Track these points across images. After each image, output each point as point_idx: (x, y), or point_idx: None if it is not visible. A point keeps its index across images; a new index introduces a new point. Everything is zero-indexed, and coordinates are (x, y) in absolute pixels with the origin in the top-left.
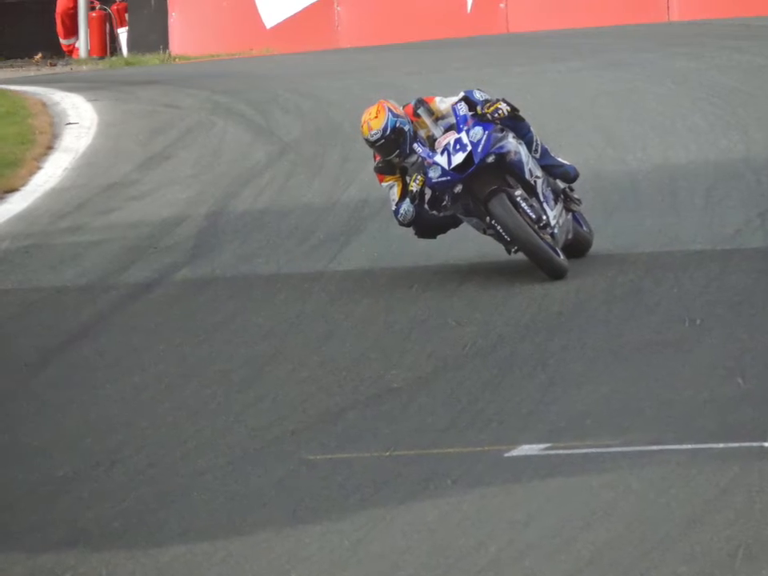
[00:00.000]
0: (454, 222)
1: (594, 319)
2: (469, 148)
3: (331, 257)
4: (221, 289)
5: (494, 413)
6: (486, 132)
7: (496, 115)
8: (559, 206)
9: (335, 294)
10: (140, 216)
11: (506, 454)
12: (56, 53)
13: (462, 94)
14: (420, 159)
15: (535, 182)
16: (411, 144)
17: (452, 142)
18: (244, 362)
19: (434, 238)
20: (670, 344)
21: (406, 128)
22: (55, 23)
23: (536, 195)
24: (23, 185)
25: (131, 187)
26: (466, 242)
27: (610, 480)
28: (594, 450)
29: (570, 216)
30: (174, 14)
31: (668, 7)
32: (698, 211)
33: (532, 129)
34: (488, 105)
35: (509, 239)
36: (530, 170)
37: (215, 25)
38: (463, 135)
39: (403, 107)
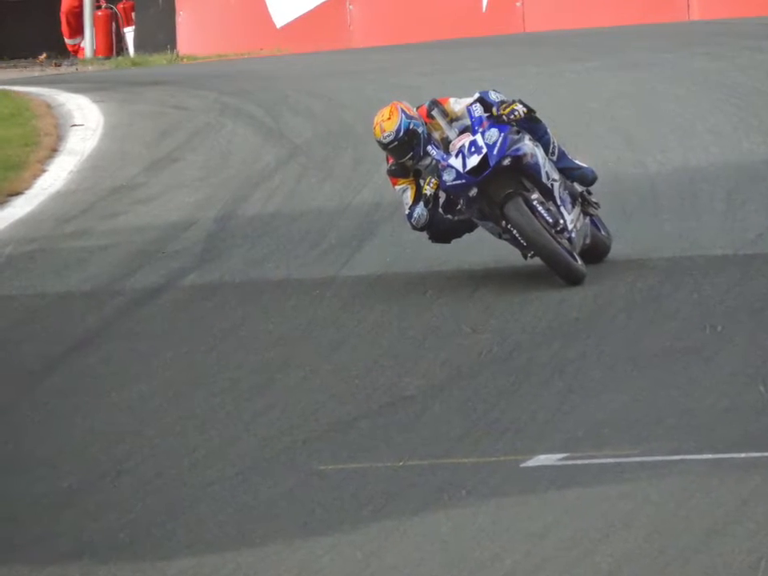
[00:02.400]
0: (469, 227)
1: (613, 326)
2: (484, 150)
3: (343, 262)
4: (230, 294)
5: (509, 422)
6: (502, 134)
7: (512, 117)
8: (576, 209)
9: (347, 299)
10: (147, 220)
11: (522, 464)
12: (61, 53)
13: (477, 95)
14: (434, 162)
15: (552, 185)
16: (425, 146)
17: (467, 145)
18: (254, 369)
19: (449, 242)
20: (690, 351)
21: (420, 130)
22: (60, 22)
23: (553, 199)
24: (27, 188)
25: (138, 190)
26: (482, 247)
27: (629, 491)
28: (612, 459)
29: (587, 220)
30: (181, 12)
31: (688, 6)
32: (719, 215)
33: (549, 131)
34: (504, 106)
35: (525, 244)
36: (546, 173)
37: (224, 24)
38: (478, 137)
39: (417, 108)
